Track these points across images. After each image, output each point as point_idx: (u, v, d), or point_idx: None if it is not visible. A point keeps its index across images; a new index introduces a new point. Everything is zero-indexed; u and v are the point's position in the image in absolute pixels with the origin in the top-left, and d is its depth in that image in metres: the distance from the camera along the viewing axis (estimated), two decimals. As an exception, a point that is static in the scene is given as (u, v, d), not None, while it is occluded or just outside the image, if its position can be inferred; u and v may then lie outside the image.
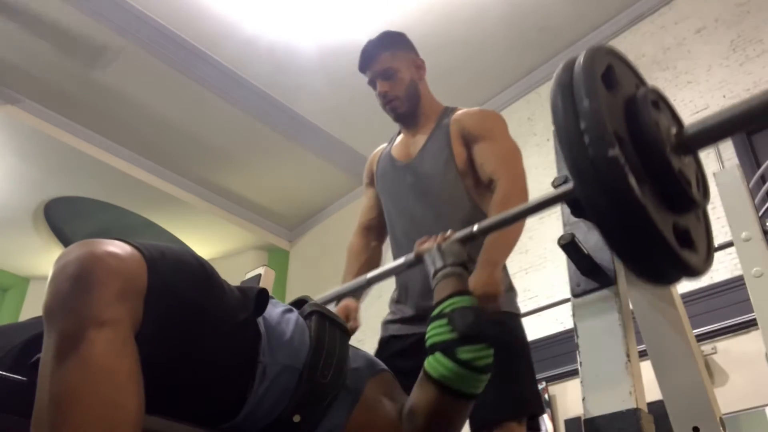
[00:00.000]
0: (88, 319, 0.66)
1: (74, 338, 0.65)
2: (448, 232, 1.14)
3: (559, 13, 4.12)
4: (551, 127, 1.19)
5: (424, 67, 1.73)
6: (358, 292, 1.56)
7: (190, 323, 0.79)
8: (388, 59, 1.65)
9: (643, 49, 3.97)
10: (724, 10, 3.65)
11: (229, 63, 4.48)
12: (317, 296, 1.32)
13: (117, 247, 0.73)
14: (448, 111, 1.70)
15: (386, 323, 1.60)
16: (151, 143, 5.17)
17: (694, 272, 0.79)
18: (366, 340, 1.59)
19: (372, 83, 1.68)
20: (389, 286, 1.66)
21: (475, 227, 1.11)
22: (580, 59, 0.80)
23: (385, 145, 1.81)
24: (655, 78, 3.82)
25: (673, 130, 0.83)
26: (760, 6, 3.50)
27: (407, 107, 1.67)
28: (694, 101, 3.57)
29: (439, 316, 0.93)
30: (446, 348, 0.89)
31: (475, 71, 4.55)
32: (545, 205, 1.01)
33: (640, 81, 0.91)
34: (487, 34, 4.23)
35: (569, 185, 0.98)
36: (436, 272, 1.05)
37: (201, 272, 0.84)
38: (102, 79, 4.53)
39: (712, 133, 0.81)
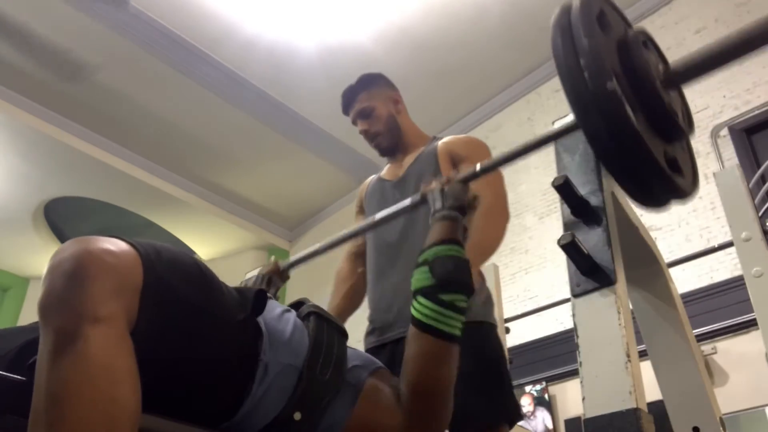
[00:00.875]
0: (84, 316, 0.65)
1: (70, 335, 0.65)
2: (452, 173, 1.19)
3: (559, 13, 4.11)
4: (551, 127, 1.19)
5: (401, 101, 1.83)
6: (343, 317, 1.69)
7: (187, 320, 0.78)
8: (365, 99, 1.77)
9: (643, 49, 3.97)
10: (724, 10, 3.65)
11: (230, 63, 4.48)
12: (318, 244, 1.41)
13: (112, 244, 0.73)
14: (436, 138, 1.79)
15: (366, 335, 1.65)
16: (151, 143, 5.17)
17: (683, 194, 0.88)
18: (358, 344, 1.59)
19: (354, 124, 1.83)
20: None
21: (478, 166, 1.16)
22: (576, 3, 0.86)
23: (374, 176, 1.91)
24: (655, 78, 3.83)
25: (661, 67, 0.91)
26: (760, 6, 3.50)
27: (389, 141, 1.77)
28: (695, 101, 3.57)
29: (423, 263, 0.99)
30: (428, 292, 0.96)
31: (475, 71, 4.55)
32: (546, 141, 1.06)
33: (628, 25, 0.99)
34: (487, 34, 4.23)
35: (568, 120, 1.04)
36: (434, 213, 1.11)
37: (197, 271, 0.84)
38: (102, 79, 4.53)
39: (695, 67, 0.90)
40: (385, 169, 1.83)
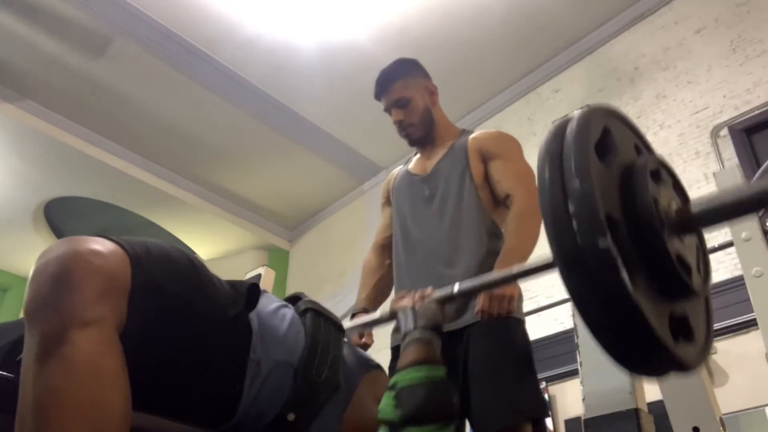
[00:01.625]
0: (71, 320, 0.64)
1: (56, 339, 0.63)
2: (429, 289, 1.10)
3: (559, 13, 4.11)
4: (556, 122, 1.19)
5: (436, 92, 1.81)
6: (372, 308, 1.65)
7: (177, 320, 0.77)
8: (402, 88, 1.71)
9: (643, 49, 3.97)
10: (724, 10, 3.64)
11: (229, 63, 4.47)
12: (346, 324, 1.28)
13: (99, 244, 0.71)
14: (466, 132, 1.77)
15: (393, 332, 1.64)
16: (151, 143, 5.17)
17: (688, 368, 0.73)
18: (377, 345, 1.59)
19: (388, 111, 1.76)
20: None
21: (456, 288, 1.06)
22: (573, 125, 0.71)
23: (401, 166, 1.87)
24: (655, 78, 3.82)
25: (674, 206, 0.74)
26: (760, 6, 3.50)
27: (422, 133, 1.74)
28: (694, 101, 3.57)
29: (391, 388, 0.89)
30: (392, 426, 0.86)
31: (476, 71, 4.55)
32: (532, 272, 0.97)
33: (641, 142, 0.83)
34: (487, 34, 4.23)
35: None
36: (404, 335, 1.01)
37: (188, 267, 0.82)
38: (102, 79, 4.53)
39: (719, 213, 0.72)
40: (413, 162, 1.81)
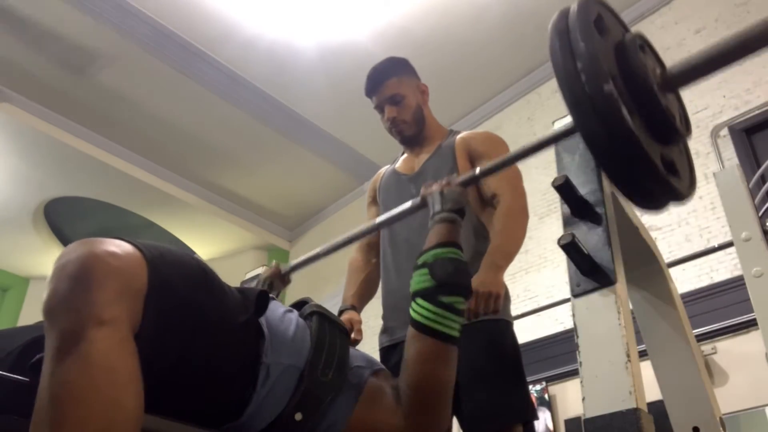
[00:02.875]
0: (88, 318, 0.65)
1: (74, 337, 0.65)
2: (453, 175, 1.19)
3: (559, 13, 4.12)
4: (551, 127, 1.19)
5: (427, 92, 1.79)
6: (359, 305, 1.66)
7: (190, 323, 0.78)
8: (395, 85, 1.70)
9: (643, 49, 3.97)
10: (724, 10, 3.65)
11: (230, 63, 4.48)
12: (319, 247, 1.41)
13: (117, 247, 0.73)
14: (453, 132, 1.77)
15: (379, 334, 1.65)
16: (151, 143, 5.17)
17: (680, 196, 0.89)
18: (366, 340, 1.59)
19: (379, 108, 1.74)
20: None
21: (477, 170, 1.16)
22: (574, 7, 0.87)
23: (388, 165, 1.87)
24: (655, 78, 3.82)
25: (658, 71, 0.91)
26: (760, 6, 3.50)
27: (414, 131, 1.73)
28: (694, 101, 3.57)
29: (422, 265, 1.00)
30: (427, 294, 0.96)
31: (476, 71, 4.56)
32: (545, 144, 1.07)
33: (625, 29, 1.00)
34: (486, 34, 4.23)
35: (567, 122, 1.04)
36: (433, 215, 1.11)
37: (200, 273, 0.84)
38: (102, 79, 4.54)
39: (692, 70, 0.89)
40: (400, 161, 1.80)
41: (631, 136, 0.78)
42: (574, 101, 0.81)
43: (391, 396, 0.98)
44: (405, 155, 1.81)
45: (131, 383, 0.66)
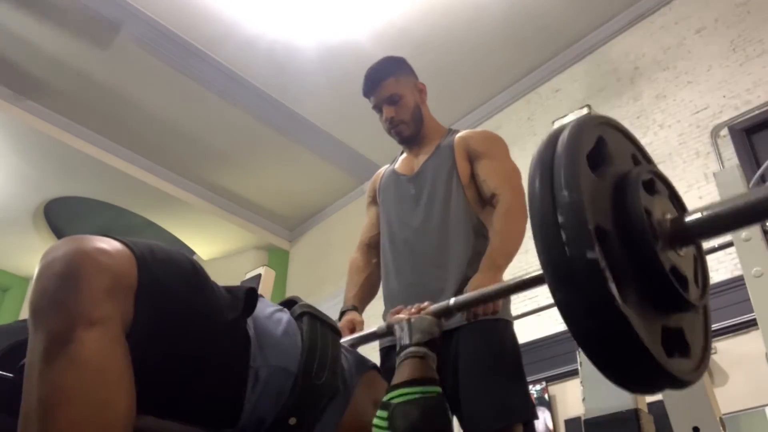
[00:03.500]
0: (77, 318, 0.63)
1: (63, 338, 0.63)
2: (425, 303, 1.11)
3: (559, 13, 4.12)
4: (551, 127, 1.19)
5: (425, 90, 1.79)
6: (361, 306, 1.66)
7: (181, 320, 0.77)
8: (393, 85, 1.69)
9: (643, 49, 3.97)
10: (724, 10, 3.64)
11: (230, 63, 4.48)
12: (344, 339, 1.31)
13: (105, 243, 0.70)
14: (452, 131, 1.76)
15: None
16: (151, 143, 5.17)
17: (683, 384, 0.70)
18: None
19: (377, 108, 1.73)
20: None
21: (452, 301, 1.07)
22: (565, 135, 0.70)
23: (387, 165, 1.87)
24: (656, 78, 3.82)
25: (669, 216, 0.72)
26: (760, 6, 3.50)
27: (412, 131, 1.72)
28: (694, 101, 3.57)
29: (384, 405, 0.90)
30: None
31: (476, 71, 4.55)
32: (526, 286, 0.98)
33: (639, 151, 0.80)
34: (487, 34, 4.23)
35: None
36: (400, 350, 1.02)
37: (191, 270, 0.82)
38: (102, 79, 4.53)
39: (716, 225, 0.69)
40: (400, 161, 1.79)
41: (617, 317, 0.62)
42: (550, 264, 0.65)
43: (383, 396, 0.97)
44: (404, 155, 1.81)
45: (123, 384, 0.65)
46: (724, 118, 3.42)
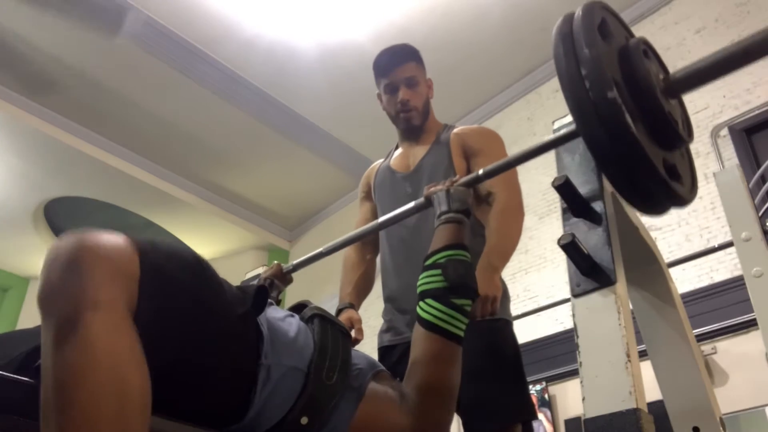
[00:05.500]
0: (83, 302, 0.65)
1: (70, 322, 0.64)
2: (456, 176, 1.19)
3: (559, 14, 4.07)
4: (551, 127, 1.19)
5: (432, 87, 1.77)
6: (357, 303, 1.64)
7: (187, 310, 0.77)
8: (414, 69, 1.68)
9: (643, 49, 3.97)
10: (724, 10, 3.65)
11: (229, 63, 4.48)
12: (321, 247, 1.42)
13: (107, 236, 0.73)
14: (448, 127, 1.74)
15: (381, 333, 1.64)
16: (151, 143, 5.17)
17: (682, 201, 0.89)
18: (366, 340, 1.59)
19: (391, 88, 1.66)
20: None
21: (481, 171, 1.17)
22: (579, 12, 0.88)
23: (381, 160, 1.84)
24: (655, 78, 3.82)
25: (661, 76, 0.91)
26: (760, 6, 3.50)
27: (420, 121, 1.70)
28: (694, 101, 3.57)
29: (433, 266, 1.00)
30: (439, 295, 0.97)
31: (476, 71, 4.56)
32: (548, 147, 1.08)
33: (629, 33, 0.99)
34: (487, 34, 4.23)
35: (568, 124, 1.06)
36: (440, 215, 1.11)
37: (195, 262, 0.83)
38: (102, 79, 4.53)
39: (695, 76, 0.89)
40: (394, 157, 1.76)
41: (633, 142, 0.79)
42: (578, 106, 0.82)
43: (394, 396, 0.97)
44: (399, 150, 1.77)
45: (133, 359, 0.66)
46: (724, 118, 3.42)
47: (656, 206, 0.91)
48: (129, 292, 0.70)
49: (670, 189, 0.85)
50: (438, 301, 0.96)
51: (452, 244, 1.03)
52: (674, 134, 0.88)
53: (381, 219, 1.37)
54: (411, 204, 1.28)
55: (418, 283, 1.01)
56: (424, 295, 0.99)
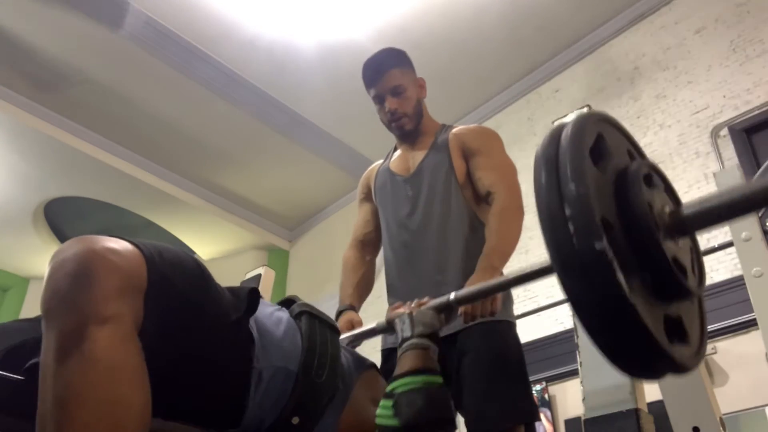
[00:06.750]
0: (89, 316, 0.64)
1: (75, 336, 0.63)
2: (425, 299, 1.11)
3: (558, 13, 4.12)
4: (551, 127, 1.19)
5: (425, 86, 1.74)
6: (358, 305, 1.63)
7: (189, 320, 0.77)
8: (398, 76, 1.64)
9: (643, 49, 3.97)
10: (724, 10, 3.64)
11: (229, 63, 4.48)
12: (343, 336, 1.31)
13: (115, 243, 0.71)
14: (446, 127, 1.72)
15: (385, 335, 1.62)
16: (151, 143, 5.17)
17: (684, 369, 0.74)
18: (365, 341, 1.59)
19: (379, 99, 1.67)
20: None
21: (452, 295, 1.08)
22: (568, 131, 0.73)
23: (381, 161, 1.82)
24: (655, 78, 3.82)
25: (668, 209, 0.76)
26: (760, 6, 3.50)
27: (413, 124, 1.68)
28: (694, 101, 3.57)
29: (388, 395, 0.90)
30: None
31: (475, 71, 4.55)
32: (528, 278, 0.98)
33: (634, 147, 0.85)
34: (486, 34, 4.23)
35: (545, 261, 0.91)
36: (402, 342, 1.01)
37: (198, 271, 0.83)
38: (102, 79, 4.53)
39: (712, 215, 0.73)
40: (394, 158, 1.75)
41: (625, 306, 0.65)
42: (559, 256, 0.68)
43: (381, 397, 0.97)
44: (398, 152, 1.76)
45: (136, 380, 0.65)
46: (724, 118, 3.42)
47: (652, 374, 0.77)
48: (136, 305, 0.69)
49: (664, 356, 0.70)
50: None
51: (413, 369, 0.91)
52: (679, 286, 0.73)
53: (343, 335, 1.30)
54: (373, 325, 1.23)
55: (376, 412, 0.91)
56: (378, 429, 0.88)
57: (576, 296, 0.68)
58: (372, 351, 1.52)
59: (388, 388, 0.91)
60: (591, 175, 0.70)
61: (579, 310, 0.68)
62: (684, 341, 0.76)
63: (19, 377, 0.70)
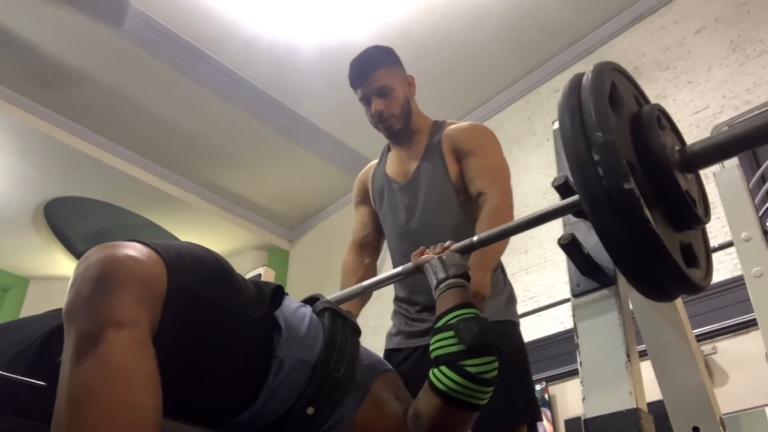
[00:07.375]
0: (107, 320, 0.66)
1: (93, 338, 0.65)
2: (447, 243, 1.14)
3: (559, 13, 4.12)
4: (551, 127, 1.19)
5: (414, 84, 1.71)
6: (357, 311, 1.60)
7: (207, 323, 0.80)
8: (384, 76, 1.62)
9: (643, 49, 3.97)
10: (724, 10, 3.65)
11: (229, 63, 4.48)
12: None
13: (137, 251, 0.74)
14: (438, 125, 1.68)
15: (389, 335, 1.62)
16: (151, 143, 5.17)
17: (698, 289, 0.82)
18: (365, 340, 1.59)
19: (365, 101, 1.65)
20: (388, 288, 1.66)
21: (475, 237, 1.12)
22: (588, 78, 0.80)
23: (375, 162, 1.80)
24: (656, 78, 3.82)
25: (677, 148, 0.84)
26: (760, 6, 3.50)
27: (402, 125, 1.64)
28: (694, 101, 3.57)
29: (445, 327, 0.92)
30: (452, 361, 0.88)
31: (476, 71, 4.55)
32: (551, 216, 1.01)
33: (639, 93, 0.91)
34: (487, 34, 4.23)
35: (576, 197, 0.97)
36: (439, 283, 1.04)
37: (219, 271, 0.85)
38: (102, 79, 4.53)
39: (715, 151, 0.81)
40: (390, 161, 1.72)
41: (652, 237, 0.73)
42: (590, 197, 0.75)
43: (397, 404, 0.99)
44: (393, 153, 1.73)
45: (148, 384, 0.67)
46: (724, 118, 3.42)
47: (668, 295, 0.85)
48: (154, 312, 0.72)
49: (685, 278, 0.79)
50: (452, 369, 0.88)
51: (460, 304, 0.96)
52: (692, 215, 0.82)
53: (366, 283, 1.33)
54: (399, 269, 1.25)
55: (431, 347, 0.93)
56: (438, 361, 0.90)
57: (607, 231, 0.76)
58: (375, 351, 1.52)
59: (441, 322, 0.94)
60: (613, 123, 0.77)
61: (609, 243, 0.77)
62: (696, 265, 0.85)
63: (43, 383, 0.72)
